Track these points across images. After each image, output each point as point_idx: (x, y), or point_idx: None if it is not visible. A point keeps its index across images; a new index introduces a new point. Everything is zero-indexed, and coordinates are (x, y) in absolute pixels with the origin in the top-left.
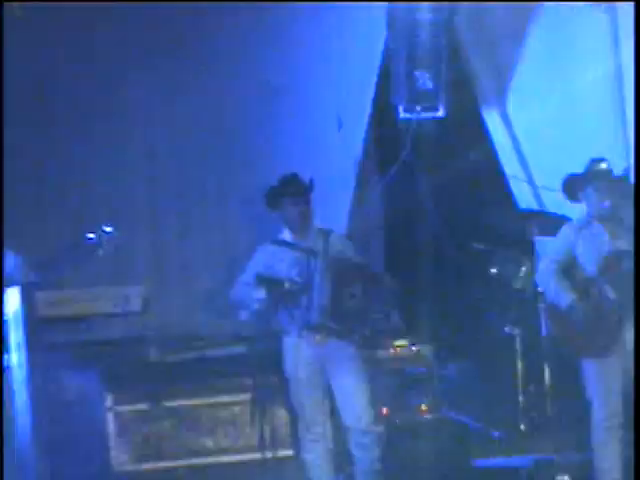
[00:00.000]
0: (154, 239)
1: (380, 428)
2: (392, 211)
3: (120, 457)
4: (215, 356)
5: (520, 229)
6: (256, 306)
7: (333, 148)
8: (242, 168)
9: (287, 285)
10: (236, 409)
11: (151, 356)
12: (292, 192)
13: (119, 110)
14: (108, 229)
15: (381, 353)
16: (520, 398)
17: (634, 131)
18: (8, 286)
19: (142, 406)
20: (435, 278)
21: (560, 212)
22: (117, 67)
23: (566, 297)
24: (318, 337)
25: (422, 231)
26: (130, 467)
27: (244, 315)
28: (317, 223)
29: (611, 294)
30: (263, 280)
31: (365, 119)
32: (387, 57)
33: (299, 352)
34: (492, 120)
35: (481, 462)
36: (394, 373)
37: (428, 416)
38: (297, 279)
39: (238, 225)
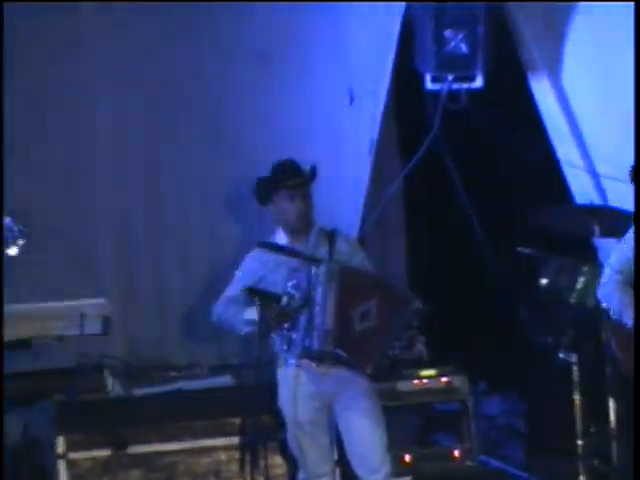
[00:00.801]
0: (119, 241)
1: None
2: (416, 208)
3: None
4: (194, 389)
5: (578, 229)
6: (245, 328)
7: (342, 128)
8: (228, 155)
9: (283, 301)
10: (221, 456)
11: (113, 389)
12: (288, 183)
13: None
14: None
15: (402, 386)
16: (578, 442)
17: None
18: None
19: (102, 453)
20: (470, 292)
21: (627, 208)
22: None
23: (633, 315)
24: (322, 367)
25: (453, 233)
26: None
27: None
28: (320, 222)
29: None
30: (253, 295)
31: (383, 91)
32: (410, 14)
33: (299, 386)
34: (542, 93)
35: None
36: (419, 411)
37: (462, 464)
38: (295, 293)
39: (223, 226)
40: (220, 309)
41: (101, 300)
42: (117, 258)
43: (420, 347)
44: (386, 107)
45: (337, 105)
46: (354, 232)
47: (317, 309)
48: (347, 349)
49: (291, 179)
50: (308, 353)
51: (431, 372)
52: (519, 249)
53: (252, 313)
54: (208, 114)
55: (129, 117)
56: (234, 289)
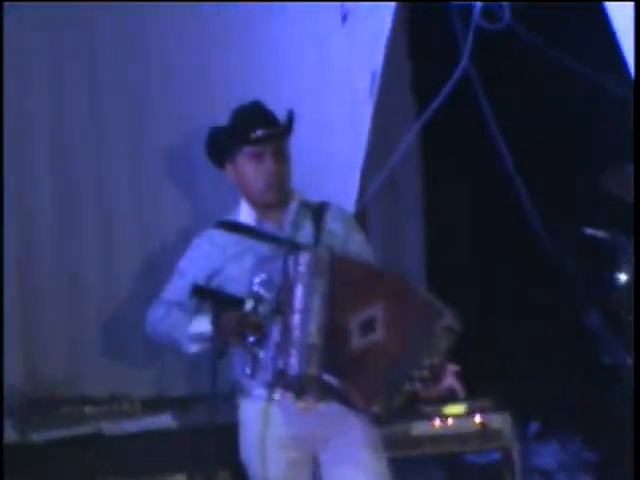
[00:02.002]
0: (21, 227)
1: None
2: (437, 171)
3: None
4: (119, 434)
5: None
6: (192, 346)
7: (330, 58)
8: (167, 98)
9: (247, 305)
10: None
11: (5, 434)
12: (254, 135)
13: None
14: None
15: (419, 428)
16: None
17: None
18: None
19: None
20: (514, 292)
21: None
22: None
23: None
24: (303, 401)
25: (489, 207)
26: None
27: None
28: (300, 192)
29: None
30: (203, 296)
31: (390, 6)
32: None
33: (269, 428)
34: (618, 13)
35: None
36: (443, 463)
37: None
38: (264, 294)
39: (160, 201)
40: (156, 317)
41: None
42: (19, 250)
43: (451, 381)
44: (394, 28)
45: (324, 27)
46: (349, 206)
47: (296, 316)
48: (340, 374)
49: (258, 129)
50: (283, 380)
51: (459, 408)
52: (586, 231)
53: (203, 323)
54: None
55: None
56: (177, 288)
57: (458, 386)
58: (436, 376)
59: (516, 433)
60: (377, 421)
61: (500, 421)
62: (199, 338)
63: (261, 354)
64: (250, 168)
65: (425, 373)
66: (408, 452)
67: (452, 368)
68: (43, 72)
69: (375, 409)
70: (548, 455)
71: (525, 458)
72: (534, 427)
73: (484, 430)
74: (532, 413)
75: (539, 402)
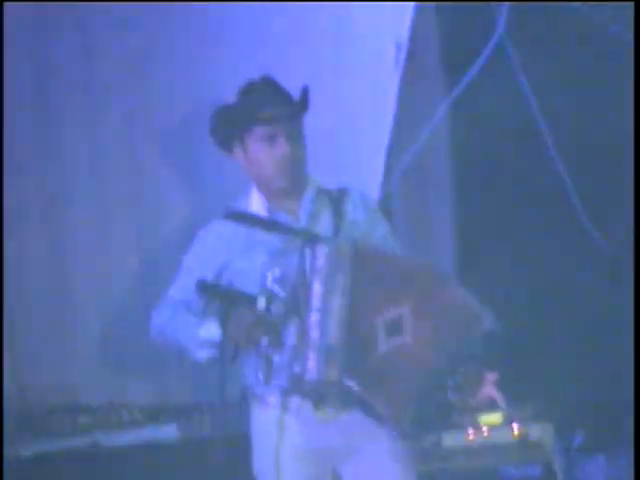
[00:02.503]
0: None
1: None
2: (468, 153)
3: None
4: (118, 445)
5: None
6: (201, 351)
7: (352, 27)
8: (168, 72)
9: (260, 303)
10: None
11: None
12: (265, 114)
13: None
14: None
15: (451, 439)
16: None
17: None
18: None
19: None
20: (557, 288)
21: None
22: None
23: None
24: (322, 409)
25: (528, 192)
26: None
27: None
28: (316, 177)
29: None
30: (211, 294)
31: None
32: None
33: (284, 440)
34: None
35: None
36: (476, 476)
37: None
38: (279, 291)
39: (161, 189)
40: (162, 320)
41: None
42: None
43: (490, 390)
44: None
45: None
46: (373, 192)
47: (314, 316)
48: (363, 380)
49: (269, 107)
50: (299, 386)
51: (496, 417)
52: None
53: (213, 328)
54: None
55: None
56: (182, 287)
57: (498, 395)
58: (473, 384)
59: (558, 444)
60: (407, 434)
61: (540, 431)
62: (209, 344)
63: (275, 358)
64: (261, 151)
65: (461, 381)
66: (439, 465)
67: (491, 376)
68: (29, 49)
69: (405, 421)
70: (594, 469)
71: (568, 472)
72: (578, 438)
73: (523, 441)
74: (576, 422)
75: (584, 410)
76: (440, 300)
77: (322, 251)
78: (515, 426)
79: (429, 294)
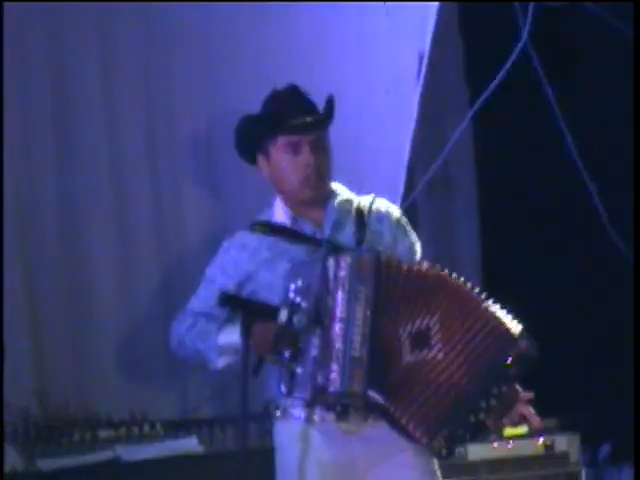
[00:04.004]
0: (24, 235)
1: None
2: (493, 161)
3: None
4: (139, 460)
5: None
6: (220, 360)
7: (375, 37)
8: (191, 80)
9: (282, 315)
10: None
11: (9, 461)
12: (291, 124)
13: None
14: None
15: (477, 452)
16: None
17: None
18: None
19: None
20: (584, 296)
21: None
22: None
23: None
24: (347, 422)
25: (553, 204)
26: None
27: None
28: (340, 186)
29: None
30: (234, 305)
31: None
32: None
33: (309, 452)
34: None
35: None
36: None
37: None
38: (301, 302)
39: (183, 201)
40: (182, 330)
41: None
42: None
43: (525, 411)
44: (444, 4)
45: (367, 4)
46: (396, 203)
47: (337, 327)
48: (387, 391)
49: (295, 116)
50: (323, 398)
51: (521, 429)
52: None
53: (232, 335)
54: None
55: None
56: (204, 298)
57: (532, 415)
58: (507, 406)
59: (585, 457)
60: (436, 454)
61: (567, 443)
62: (228, 351)
63: (298, 370)
64: (285, 161)
65: (494, 404)
66: (464, 478)
67: (525, 396)
68: (44, 51)
69: (428, 440)
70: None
71: None
72: (605, 450)
73: (549, 453)
74: (603, 434)
75: (611, 422)
76: (471, 316)
77: (345, 261)
78: (541, 438)
79: (460, 310)
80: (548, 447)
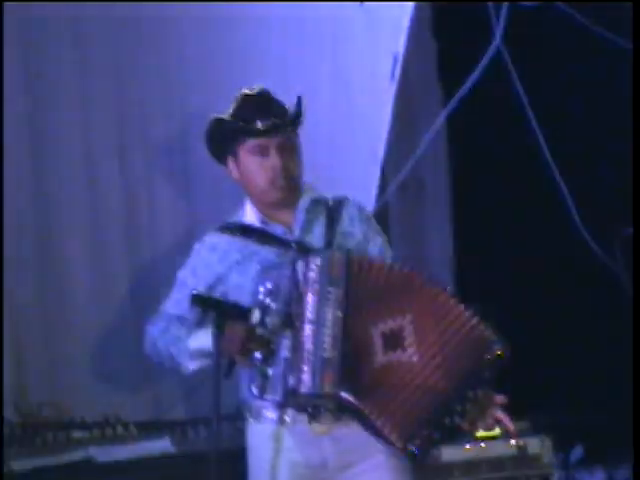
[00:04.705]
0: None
1: None
2: (466, 163)
3: None
4: (112, 461)
5: None
6: (191, 363)
7: (349, 39)
8: (163, 82)
9: (253, 316)
10: None
11: None
12: (259, 126)
13: None
14: None
15: (450, 454)
16: None
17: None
18: None
19: None
20: (555, 297)
21: None
22: None
23: None
24: (318, 423)
25: (526, 206)
26: None
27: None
28: (311, 187)
29: None
30: (205, 306)
31: None
32: None
33: (280, 454)
34: None
35: None
36: None
37: None
38: (271, 304)
39: (155, 201)
40: (155, 333)
41: None
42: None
43: (497, 414)
44: (418, 6)
45: (342, 6)
46: (369, 203)
47: (308, 328)
48: (360, 392)
49: (262, 119)
50: (294, 399)
51: (494, 431)
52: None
53: (203, 338)
54: None
55: None
56: (176, 301)
57: (506, 418)
58: (482, 410)
59: (557, 459)
60: (410, 457)
61: (539, 445)
62: (199, 354)
63: (270, 371)
64: (253, 163)
65: (469, 407)
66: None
67: (499, 399)
68: (18, 53)
69: (401, 444)
70: None
71: None
72: (577, 452)
73: (521, 455)
74: (575, 436)
75: (583, 424)
76: (445, 318)
77: (314, 262)
78: (513, 440)
79: (430, 308)
80: (521, 449)
